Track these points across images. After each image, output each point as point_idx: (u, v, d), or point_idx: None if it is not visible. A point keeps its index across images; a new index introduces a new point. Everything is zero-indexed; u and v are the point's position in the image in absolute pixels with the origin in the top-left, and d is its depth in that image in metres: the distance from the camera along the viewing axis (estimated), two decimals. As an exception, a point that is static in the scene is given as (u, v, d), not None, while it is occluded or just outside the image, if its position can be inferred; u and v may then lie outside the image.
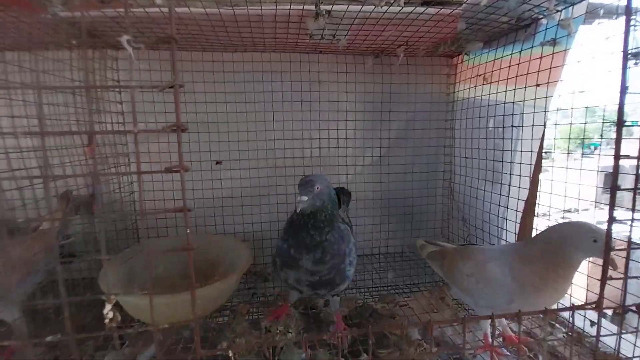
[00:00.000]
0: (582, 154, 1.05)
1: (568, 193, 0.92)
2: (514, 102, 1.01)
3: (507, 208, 1.08)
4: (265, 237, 1.31)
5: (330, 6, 0.87)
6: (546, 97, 0.92)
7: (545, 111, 0.93)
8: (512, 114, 1.02)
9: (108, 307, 0.31)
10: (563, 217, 1.12)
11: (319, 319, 1.00)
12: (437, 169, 1.42)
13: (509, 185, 1.05)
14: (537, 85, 0.92)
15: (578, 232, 0.68)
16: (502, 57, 1.06)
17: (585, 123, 0.85)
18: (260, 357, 0.84)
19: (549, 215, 1.07)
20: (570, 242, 0.68)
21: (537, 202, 1.07)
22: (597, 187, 0.95)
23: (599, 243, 0.64)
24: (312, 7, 0.87)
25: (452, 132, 1.37)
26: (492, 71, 1.10)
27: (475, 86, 1.20)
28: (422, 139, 1.38)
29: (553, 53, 0.89)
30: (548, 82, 0.90)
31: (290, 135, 1.29)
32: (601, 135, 0.81)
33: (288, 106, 1.27)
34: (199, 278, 1.13)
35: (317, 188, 0.75)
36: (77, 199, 1.04)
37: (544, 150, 1.02)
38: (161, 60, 1.18)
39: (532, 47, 0.95)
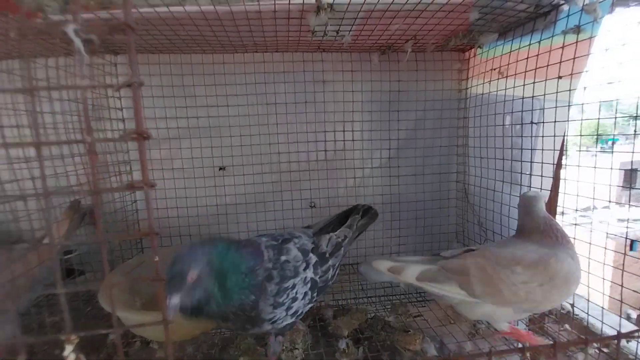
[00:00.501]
0: (600, 149, 0.97)
1: (585, 191, 0.87)
2: (533, 96, 0.93)
3: (528, 210, 1.00)
4: (270, 244, 1.26)
5: (332, -1, 0.81)
6: (570, 90, 0.84)
7: (569, 105, 0.85)
8: (532, 110, 0.94)
9: (69, 348, 0.25)
10: (582, 216, 1.05)
11: (328, 333, 0.94)
12: (450, 170, 1.35)
13: (529, 186, 0.97)
14: (559, 77, 0.85)
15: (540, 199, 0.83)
16: (519, 48, 0.99)
17: (622, 115, 0.77)
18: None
19: (564, 214, 1.00)
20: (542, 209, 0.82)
21: (557, 203, 0.99)
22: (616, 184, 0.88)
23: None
24: (313, 1, 0.82)
25: (465, 131, 1.29)
26: (509, 64, 1.03)
27: (490, 81, 1.12)
28: (433, 138, 1.31)
29: (577, 42, 0.81)
30: (572, 74, 0.83)
31: (295, 138, 1.24)
32: (636, 131, 0.73)
33: (292, 108, 1.22)
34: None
35: (190, 278, 0.57)
36: (83, 208, 1.01)
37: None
38: (172, 64, 1.15)
39: (552, 36, 0.87)
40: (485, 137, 1.15)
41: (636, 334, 0.47)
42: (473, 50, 1.24)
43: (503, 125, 1.07)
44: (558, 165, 0.97)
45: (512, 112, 1.02)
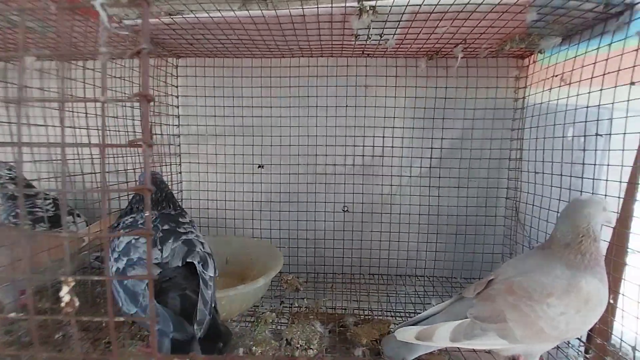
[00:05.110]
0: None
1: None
2: (599, 105, 0.83)
3: (588, 236, 0.87)
4: (300, 245, 1.27)
5: (375, 1, 0.81)
6: (645, 98, 0.73)
7: (644, 116, 0.74)
8: (597, 120, 0.83)
9: (65, 289, 0.29)
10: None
11: (346, 339, 0.91)
12: (500, 185, 1.24)
13: (591, 206, 0.85)
14: (632, 83, 0.74)
15: (597, 205, 0.71)
16: (585, 53, 0.89)
17: None
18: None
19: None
20: (594, 218, 0.71)
21: (630, 230, 0.84)
22: None
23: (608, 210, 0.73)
24: (355, 4, 0.83)
25: (519, 143, 1.18)
26: (573, 70, 0.93)
27: (551, 89, 1.02)
28: (481, 149, 1.22)
29: (656, 43, 0.70)
30: (648, 80, 0.72)
31: (333, 141, 1.25)
32: None
33: (332, 111, 1.23)
34: (233, 279, 1.14)
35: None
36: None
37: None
38: (224, 67, 1.24)
39: (625, 38, 0.77)
40: (542, 150, 1.04)
41: None
42: (533, 56, 1.14)
43: (564, 136, 0.96)
44: (630, 189, 0.84)
45: (574, 123, 0.91)
